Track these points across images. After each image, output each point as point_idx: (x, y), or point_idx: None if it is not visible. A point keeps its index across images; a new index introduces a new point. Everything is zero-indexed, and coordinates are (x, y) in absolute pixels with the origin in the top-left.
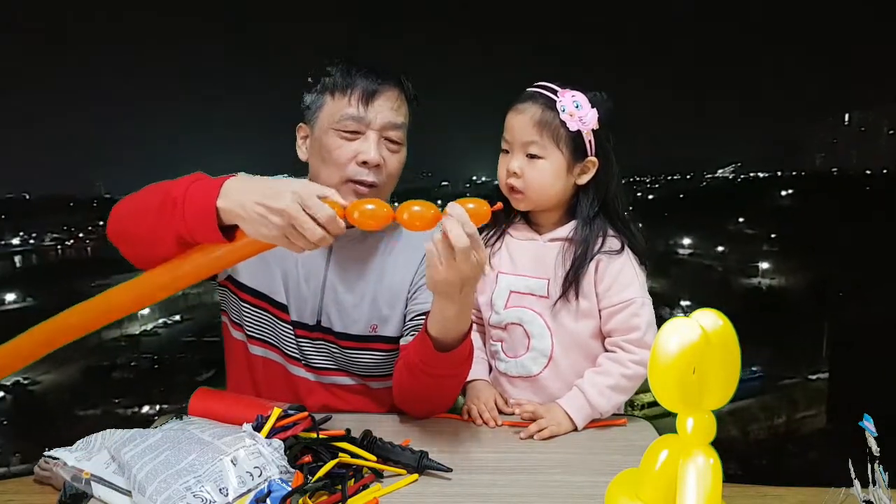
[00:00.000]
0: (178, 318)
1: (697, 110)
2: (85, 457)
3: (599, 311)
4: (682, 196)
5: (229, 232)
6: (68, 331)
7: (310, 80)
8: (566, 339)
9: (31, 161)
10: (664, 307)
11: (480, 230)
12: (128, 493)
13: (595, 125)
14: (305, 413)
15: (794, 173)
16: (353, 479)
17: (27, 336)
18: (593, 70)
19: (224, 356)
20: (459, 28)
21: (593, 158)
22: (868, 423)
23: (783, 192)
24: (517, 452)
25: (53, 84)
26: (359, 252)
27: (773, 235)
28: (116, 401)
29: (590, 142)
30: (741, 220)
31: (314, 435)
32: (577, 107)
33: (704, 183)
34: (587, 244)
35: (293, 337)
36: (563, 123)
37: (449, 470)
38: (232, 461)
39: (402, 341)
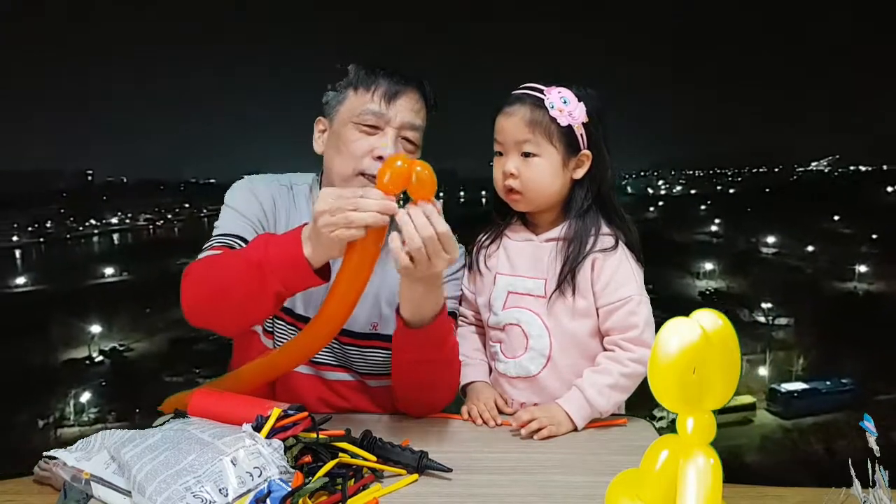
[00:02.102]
0: None
1: (789, 94)
2: (85, 457)
3: (597, 309)
4: (767, 190)
5: (323, 273)
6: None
7: (335, 74)
8: (564, 338)
9: (129, 149)
10: (742, 308)
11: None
12: (128, 493)
13: (584, 118)
14: (305, 413)
15: None
16: (353, 480)
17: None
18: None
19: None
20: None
21: (587, 152)
22: (868, 424)
23: (889, 189)
24: (517, 452)
25: (154, 91)
26: None
27: (874, 236)
28: (197, 370)
29: (581, 135)
30: (836, 217)
31: (314, 435)
32: (564, 102)
33: (795, 177)
34: (581, 239)
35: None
36: (554, 120)
37: (449, 470)
38: (232, 461)
39: None
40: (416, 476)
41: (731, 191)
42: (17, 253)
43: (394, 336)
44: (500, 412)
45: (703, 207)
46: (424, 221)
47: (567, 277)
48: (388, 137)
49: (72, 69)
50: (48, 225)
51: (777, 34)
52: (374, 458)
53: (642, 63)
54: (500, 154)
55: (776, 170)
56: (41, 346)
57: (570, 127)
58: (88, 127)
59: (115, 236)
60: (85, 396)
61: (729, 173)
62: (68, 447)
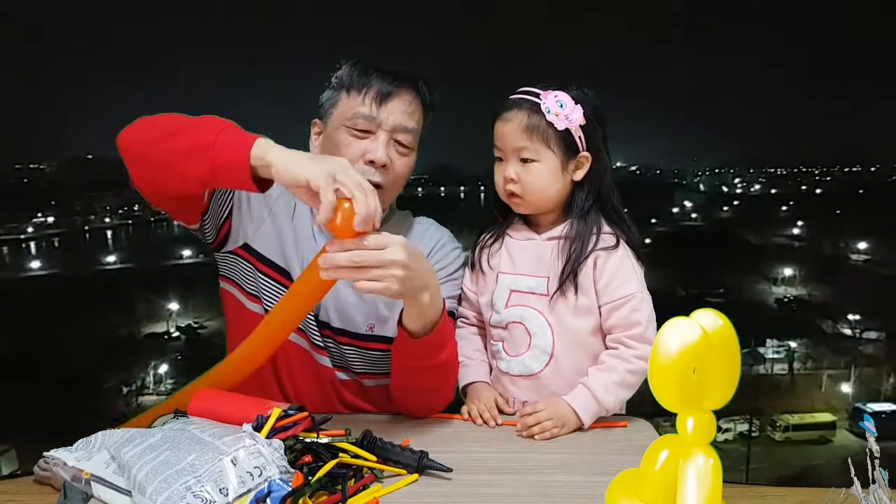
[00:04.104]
0: None
1: (879, 83)
2: (85, 457)
3: (599, 307)
4: (861, 191)
5: (263, 184)
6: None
7: (331, 76)
8: (567, 336)
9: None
10: (825, 320)
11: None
12: (128, 493)
13: (582, 121)
14: (305, 413)
15: None
16: (353, 480)
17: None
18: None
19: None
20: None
21: (586, 153)
22: (868, 424)
23: None
24: (517, 452)
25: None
26: None
27: None
28: None
29: (579, 137)
30: None
31: (314, 435)
32: (561, 106)
33: (894, 178)
34: (583, 238)
35: (312, 325)
36: (551, 124)
37: (449, 470)
38: (232, 461)
39: None
40: (416, 476)
41: (818, 191)
42: (109, 234)
43: (396, 344)
44: (501, 412)
45: (784, 208)
46: (349, 261)
47: (569, 275)
48: (380, 142)
49: (163, 61)
50: (136, 208)
51: (876, 23)
52: (374, 458)
53: (715, 49)
54: (500, 159)
55: (872, 169)
56: (127, 319)
57: (567, 130)
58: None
59: None
60: (162, 368)
61: (816, 172)
62: (68, 447)
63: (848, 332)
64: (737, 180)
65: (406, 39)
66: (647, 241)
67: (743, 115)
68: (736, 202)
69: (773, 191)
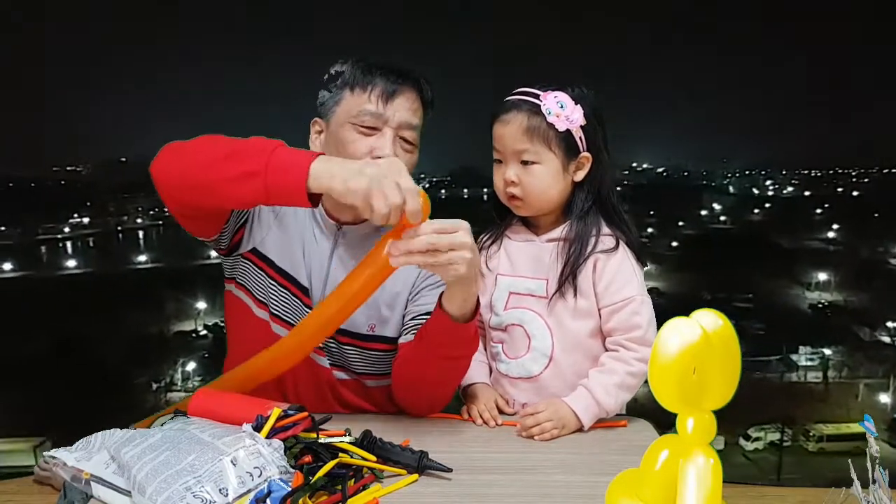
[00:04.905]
0: None
1: None
2: (85, 457)
3: (599, 310)
4: None
5: (316, 198)
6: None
7: (330, 75)
8: (566, 338)
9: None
10: (862, 327)
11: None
12: (128, 493)
13: (582, 121)
14: (305, 413)
15: None
16: (353, 480)
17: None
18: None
19: (228, 334)
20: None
21: (587, 154)
22: (868, 424)
23: None
24: (517, 452)
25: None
26: (361, 250)
27: None
28: None
29: (580, 138)
30: None
31: (314, 435)
32: (561, 107)
33: None
34: (582, 240)
35: None
36: (552, 126)
37: (449, 470)
38: (232, 461)
39: (402, 339)
40: (416, 476)
41: (855, 193)
42: (140, 234)
43: (428, 331)
44: (501, 412)
45: (818, 211)
46: (423, 247)
47: (568, 277)
48: (387, 138)
49: (188, 64)
50: (166, 210)
51: None
52: (374, 458)
53: (750, 46)
54: (500, 162)
55: None
56: (157, 317)
57: (568, 131)
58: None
59: None
60: (190, 366)
61: (853, 173)
62: (68, 447)
63: (887, 339)
64: (768, 182)
65: (425, 39)
66: (674, 244)
67: (774, 116)
68: (767, 204)
69: (806, 193)
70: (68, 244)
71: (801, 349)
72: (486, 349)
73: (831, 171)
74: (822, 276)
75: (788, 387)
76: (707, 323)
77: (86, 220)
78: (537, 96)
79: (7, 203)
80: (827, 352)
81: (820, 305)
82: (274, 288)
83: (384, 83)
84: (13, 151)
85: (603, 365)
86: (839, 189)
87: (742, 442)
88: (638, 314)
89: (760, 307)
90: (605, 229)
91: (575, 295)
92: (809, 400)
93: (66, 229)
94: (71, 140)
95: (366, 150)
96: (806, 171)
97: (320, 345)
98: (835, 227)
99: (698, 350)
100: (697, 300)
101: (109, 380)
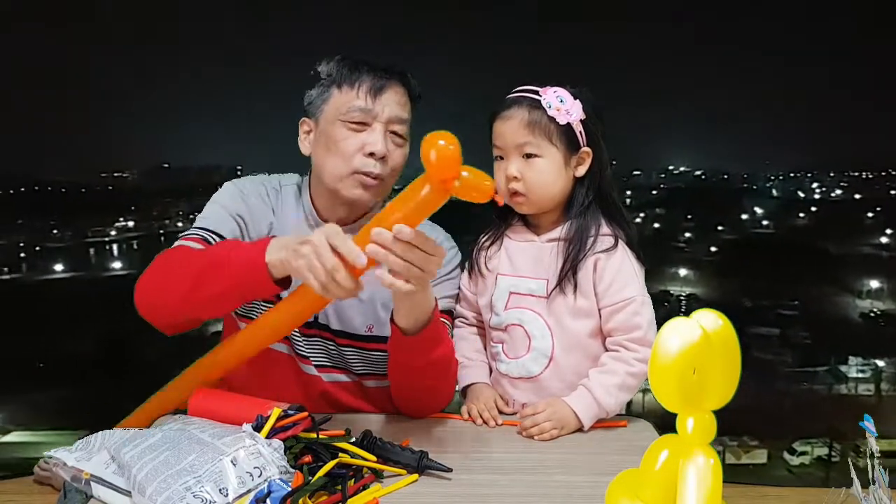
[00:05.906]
0: None
1: None
2: (85, 457)
3: (599, 310)
4: None
5: (283, 283)
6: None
7: (315, 73)
8: (566, 338)
9: (277, 149)
10: None
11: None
12: (127, 493)
13: (582, 115)
14: (305, 413)
15: None
16: (353, 480)
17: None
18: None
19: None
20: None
21: (587, 149)
22: (868, 424)
23: None
24: (517, 452)
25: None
26: None
27: None
28: None
29: (580, 132)
30: None
31: (314, 435)
32: (561, 101)
33: None
34: (582, 238)
35: (297, 332)
36: (553, 119)
37: (449, 470)
38: (232, 461)
39: None
40: (416, 476)
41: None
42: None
43: (390, 343)
44: (501, 412)
45: (870, 215)
46: (404, 247)
47: (568, 277)
48: (378, 133)
49: (230, 72)
50: None
51: None
52: (374, 458)
53: (796, 44)
54: (501, 158)
55: None
56: None
57: (568, 125)
58: (240, 126)
59: None
60: None
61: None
62: (68, 447)
63: None
64: (815, 185)
65: (435, 40)
66: (713, 249)
67: (821, 116)
68: (813, 208)
69: (856, 196)
70: (114, 246)
71: (851, 360)
72: (486, 349)
73: (884, 173)
74: (875, 284)
75: (837, 399)
76: (707, 323)
77: (131, 223)
78: (536, 92)
79: (59, 207)
80: (880, 363)
81: (872, 314)
82: (260, 305)
83: (371, 79)
84: (68, 158)
85: (603, 365)
86: (892, 192)
87: (787, 456)
88: (638, 315)
89: (806, 315)
90: (605, 228)
91: (575, 294)
92: (860, 414)
93: (113, 232)
94: (116, 146)
95: (357, 145)
96: (856, 174)
97: (304, 354)
98: (888, 231)
99: (698, 350)
100: (738, 308)
101: (146, 377)
